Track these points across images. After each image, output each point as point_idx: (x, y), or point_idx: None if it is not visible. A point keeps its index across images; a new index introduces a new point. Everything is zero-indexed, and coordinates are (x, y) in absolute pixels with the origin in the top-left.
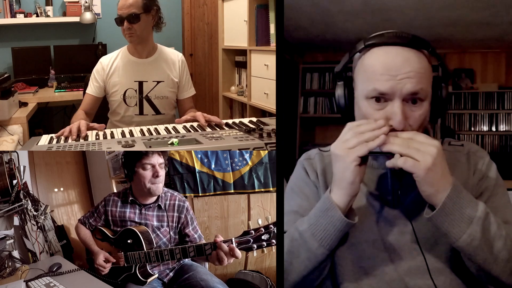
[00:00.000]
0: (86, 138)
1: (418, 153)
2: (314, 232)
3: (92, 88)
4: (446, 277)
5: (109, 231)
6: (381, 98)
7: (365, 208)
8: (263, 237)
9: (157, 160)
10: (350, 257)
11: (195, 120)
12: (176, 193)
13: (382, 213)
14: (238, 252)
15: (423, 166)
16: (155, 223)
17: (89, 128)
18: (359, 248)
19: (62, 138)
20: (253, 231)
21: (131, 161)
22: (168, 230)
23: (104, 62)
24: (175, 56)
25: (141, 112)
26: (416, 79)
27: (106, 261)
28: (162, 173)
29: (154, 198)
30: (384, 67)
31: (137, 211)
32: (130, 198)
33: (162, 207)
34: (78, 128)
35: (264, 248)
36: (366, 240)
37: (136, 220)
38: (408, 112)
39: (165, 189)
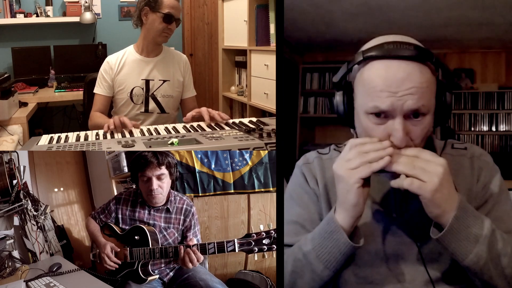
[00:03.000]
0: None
1: (424, 173)
2: (319, 254)
3: (103, 88)
4: None
5: (118, 228)
6: (381, 113)
7: (368, 219)
8: (264, 241)
9: (153, 172)
10: (351, 269)
11: (200, 115)
12: (185, 197)
13: (384, 225)
14: (199, 255)
15: (430, 187)
16: (163, 224)
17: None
18: (360, 260)
19: (105, 132)
20: (254, 234)
21: (134, 171)
22: (174, 231)
23: (112, 61)
24: (179, 57)
25: (146, 110)
26: (417, 95)
27: (112, 251)
28: (160, 184)
29: (163, 202)
30: (384, 84)
31: (146, 211)
32: (140, 199)
33: (171, 210)
34: (120, 121)
35: (265, 253)
36: (368, 251)
37: (145, 220)
38: (410, 127)
39: (175, 192)
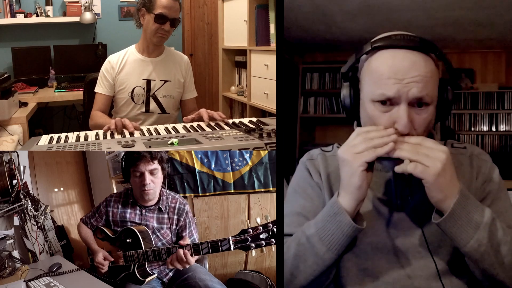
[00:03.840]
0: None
1: (427, 158)
2: (322, 237)
3: (104, 88)
4: (448, 280)
5: (109, 231)
6: (387, 101)
7: (370, 211)
8: (261, 236)
9: (146, 167)
10: (354, 260)
11: (200, 117)
12: (177, 196)
13: (386, 216)
14: (189, 258)
15: (433, 171)
16: (155, 225)
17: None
18: (363, 251)
19: (105, 131)
20: (251, 230)
21: (126, 167)
22: (168, 232)
23: (113, 60)
24: (181, 57)
25: (147, 110)
26: (422, 84)
27: (105, 259)
28: (152, 179)
29: (155, 201)
30: (391, 71)
31: (138, 212)
32: (131, 200)
33: (163, 209)
34: (122, 123)
35: (263, 248)
36: (370, 242)
37: (137, 221)
38: (414, 115)
39: (167, 191)
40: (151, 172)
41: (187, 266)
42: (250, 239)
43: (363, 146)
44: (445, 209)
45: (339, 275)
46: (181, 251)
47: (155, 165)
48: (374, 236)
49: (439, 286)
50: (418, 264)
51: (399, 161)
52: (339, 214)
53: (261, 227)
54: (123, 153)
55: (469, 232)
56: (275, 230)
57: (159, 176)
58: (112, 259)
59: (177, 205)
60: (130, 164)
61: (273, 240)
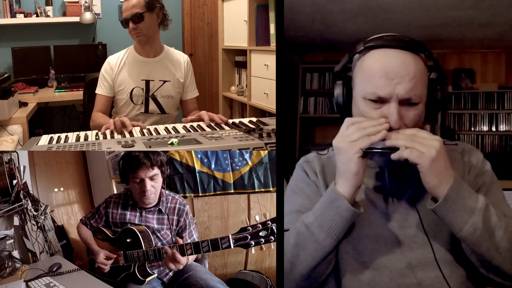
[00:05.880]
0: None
1: (422, 146)
2: (321, 224)
3: (104, 89)
4: (446, 269)
5: (109, 231)
6: (378, 99)
7: (365, 205)
8: (260, 233)
9: (146, 173)
10: (351, 252)
11: (200, 119)
12: (177, 196)
13: (381, 209)
14: (179, 257)
15: (428, 157)
16: (156, 226)
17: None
18: (360, 243)
19: (102, 133)
20: (250, 228)
21: (125, 172)
22: (168, 233)
23: (112, 61)
24: (181, 57)
25: (146, 111)
26: (411, 85)
27: (107, 258)
28: (153, 184)
29: (155, 203)
30: (383, 70)
31: (138, 213)
32: (130, 202)
33: (163, 210)
34: (122, 122)
35: (263, 245)
36: (366, 235)
37: (136, 222)
38: (403, 112)
39: (167, 192)
40: (151, 178)
41: (181, 267)
42: (249, 237)
43: (358, 134)
44: (439, 195)
45: (338, 268)
46: (169, 250)
47: (155, 170)
48: (370, 228)
49: (439, 275)
50: (417, 254)
51: (392, 154)
52: (337, 200)
53: (260, 225)
54: (122, 153)
55: (464, 217)
56: (274, 227)
57: (159, 180)
58: (115, 256)
59: (177, 205)
60: (129, 170)
61: (272, 237)
